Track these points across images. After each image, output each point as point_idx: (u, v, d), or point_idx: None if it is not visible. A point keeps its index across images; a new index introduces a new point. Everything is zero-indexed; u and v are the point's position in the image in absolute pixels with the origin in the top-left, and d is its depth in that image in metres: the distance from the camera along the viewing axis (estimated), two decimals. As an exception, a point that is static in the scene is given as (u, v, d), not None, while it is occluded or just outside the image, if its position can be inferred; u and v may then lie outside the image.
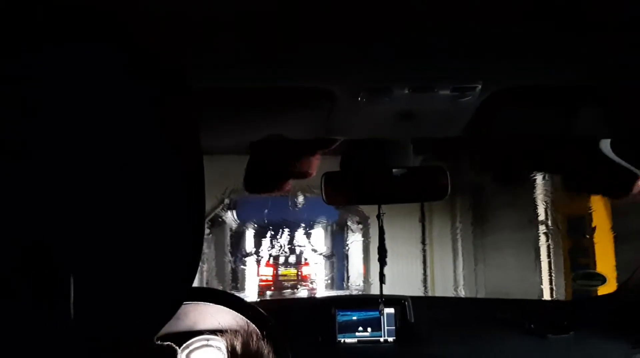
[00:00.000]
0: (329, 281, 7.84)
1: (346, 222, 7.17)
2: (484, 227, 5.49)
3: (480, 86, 0.67)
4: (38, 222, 0.36)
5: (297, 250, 7.75)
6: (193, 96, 0.49)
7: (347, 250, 7.43)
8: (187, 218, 0.44)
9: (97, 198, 0.39)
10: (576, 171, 1.08)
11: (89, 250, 0.38)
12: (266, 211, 6.49)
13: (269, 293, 7.43)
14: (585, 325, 1.37)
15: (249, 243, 7.55)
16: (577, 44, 0.58)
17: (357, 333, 1.42)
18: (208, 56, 0.58)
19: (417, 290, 5.64)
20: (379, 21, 0.51)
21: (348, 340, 1.41)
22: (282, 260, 7.71)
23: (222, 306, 1.06)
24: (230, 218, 6.64)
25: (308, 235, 7.70)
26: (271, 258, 7.61)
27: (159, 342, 0.97)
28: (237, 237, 7.28)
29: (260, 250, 7.42)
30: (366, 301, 1.50)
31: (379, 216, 1.18)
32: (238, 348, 1.05)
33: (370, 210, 4.94)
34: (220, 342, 1.09)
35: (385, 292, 1.25)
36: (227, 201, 5.63)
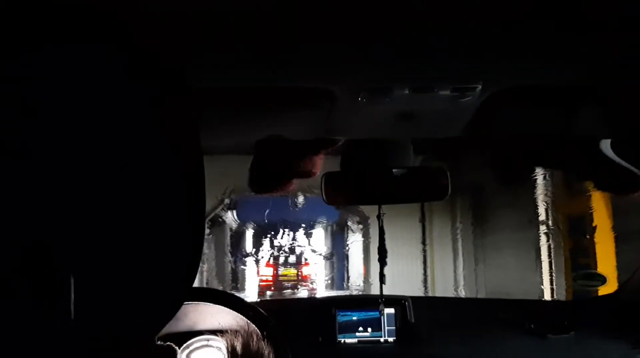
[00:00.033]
0: (329, 282, 7.84)
1: (346, 222, 7.16)
2: (484, 227, 5.49)
3: (480, 86, 0.67)
4: (38, 222, 0.36)
5: (297, 250, 7.75)
6: (193, 96, 0.49)
7: (347, 250, 7.43)
8: (187, 218, 0.44)
9: (97, 198, 0.39)
10: (578, 166, 1.07)
11: (89, 250, 0.38)
12: (266, 211, 6.49)
13: (269, 293, 7.43)
14: (585, 325, 1.37)
15: (249, 243, 7.55)
16: (577, 44, 0.58)
17: (357, 334, 1.42)
18: (208, 56, 0.58)
19: (417, 290, 5.63)
20: (379, 21, 0.51)
21: (348, 340, 1.41)
22: (282, 260, 7.71)
23: (222, 307, 1.06)
24: (230, 218, 6.64)
25: (308, 235, 7.70)
26: (271, 258, 7.61)
27: (159, 342, 0.97)
28: (237, 237, 7.28)
29: (260, 250, 7.42)
30: (366, 302, 1.50)
31: (379, 217, 1.18)
32: (238, 348, 1.05)
33: (371, 210, 4.93)
34: (220, 342, 1.09)
35: (385, 292, 1.25)
36: (227, 201, 5.63)
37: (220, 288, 5.64)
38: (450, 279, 5.79)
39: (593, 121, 0.85)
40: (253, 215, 6.96)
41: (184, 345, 1.10)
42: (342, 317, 1.43)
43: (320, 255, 7.92)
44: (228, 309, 1.06)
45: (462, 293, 5.60)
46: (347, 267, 7.58)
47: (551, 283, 3.89)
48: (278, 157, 1.00)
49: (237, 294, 1.16)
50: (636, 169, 0.96)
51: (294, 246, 7.66)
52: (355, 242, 6.90)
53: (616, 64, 0.64)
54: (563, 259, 3.83)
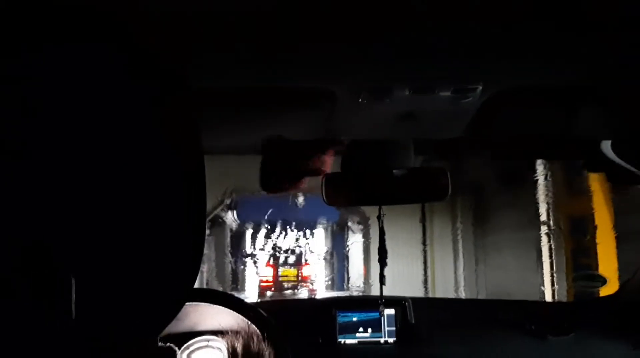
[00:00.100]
0: (330, 282, 7.84)
1: (347, 223, 7.16)
2: (485, 228, 5.48)
3: (480, 87, 0.67)
4: (38, 222, 0.36)
5: (298, 251, 7.75)
6: (193, 96, 0.49)
7: (348, 251, 7.43)
8: (188, 218, 0.44)
9: (97, 198, 0.39)
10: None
11: (89, 250, 0.38)
12: (266, 211, 6.49)
13: (269, 293, 7.43)
14: (586, 326, 1.37)
15: (249, 244, 7.55)
16: (577, 44, 0.58)
17: (357, 334, 1.42)
18: (208, 56, 0.58)
19: (417, 291, 5.63)
20: (379, 21, 0.51)
21: (348, 341, 1.41)
22: (282, 260, 7.71)
23: (222, 307, 1.06)
24: (231, 218, 6.64)
25: (308, 236, 7.70)
26: (271, 259, 7.62)
27: (160, 342, 0.97)
28: (238, 238, 7.28)
29: (260, 251, 7.42)
30: (366, 302, 1.50)
31: (379, 217, 1.18)
32: (239, 349, 1.05)
33: (371, 211, 4.93)
34: (220, 343, 1.09)
35: (385, 293, 1.25)
36: (227, 201, 5.63)
37: (221, 288, 5.64)
38: (451, 280, 5.79)
39: (593, 121, 0.85)
40: (253, 215, 6.96)
41: (185, 345, 1.10)
42: (342, 318, 1.43)
43: (320, 255, 7.91)
44: (228, 310, 1.06)
45: (463, 294, 5.60)
46: (348, 268, 7.58)
47: (552, 284, 3.89)
48: (287, 156, 1.00)
49: (237, 294, 1.16)
50: (636, 169, 0.96)
51: (294, 247, 7.66)
52: (355, 243, 6.90)
53: (616, 64, 0.64)
54: (564, 260, 3.82)
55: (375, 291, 5.33)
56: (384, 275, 1.19)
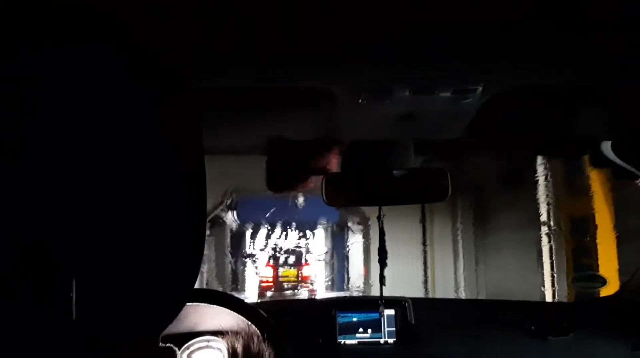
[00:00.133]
0: (330, 282, 7.83)
1: (347, 223, 7.16)
2: (485, 228, 5.48)
3: (480, 88, 0.67)
4: (38, 222, 0.36)
5: (298, 251, 7.74)
6: (193, 96, 0.49)
7: (348, 251, 7.42)
8: (188, 218, 0.44)
9: (97, 198, 0.39)
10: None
11: (89, 251, 0.38)
12: (266, 211, 6.49)
13: (269, 293, 7.42)
14: (585, 326, 1.37)
15: (249, 244, 7.54)
16: (577, 44, 0.58)
17: (357, 335, 1.42)
18: (208, 56, 0.58)
19: (417, 291, 5.62)
20: (379, 21, 0.51)
21: (348, 342, 1.41)
22: (282, 260, 7.70)
23: (223, 308, 1.06)
24: (231, 218, 6.64)
25: (308, 236, 7.70)
26: (271, 259, 7.61)
27: (160, 342, 0.97)
28: (238, 238, 7.28)
29: (260, 251, 7.42)
30: (366, 303, 1.50)
31: (379, 218, 1.18)
32: (239, 349, 1.04)
33: (371, 211, 4.93)
34: (221, 344, 1.09)
35: (385, 293, 1.25)
36: (227, 201, 5.63)
37: (221, 289, 5.64)
38: (451, 280, 5.78)
39: (593, 121, 0.85)
40: (253, 216, 6.96)
41: (185, 345, 1.10)
42: (342, 318, 1.43)
43: (320, 255, 7.91)
44: (229, 310, 1.06)
45: (463, 294, 5.59)
46: (348, 268, 7.58)
47: (552, 285, 3.88)
48: (292, 155, 1.00)
49: (237, 295, 1.16)
50: (636, 169, 0.96)
51: (294, 247, 7.66)
52: (355, 243, 6.90)
53: (616, 64, 0.64)
54: (565, 260, 3.82)
55: (375, 291, 5.33)
56: (384, 275, 1.19)
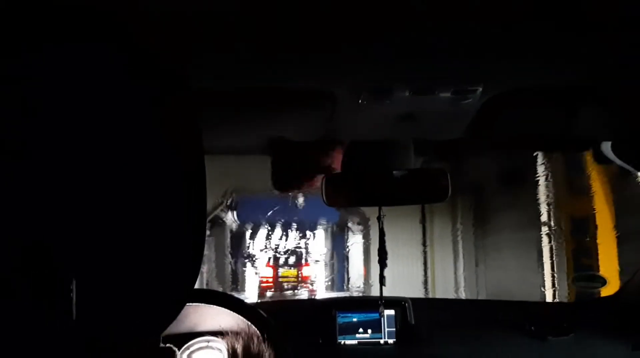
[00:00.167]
0: (330, 283, 7.82)
1: (347, 223, 7.16)
2: (485, 228, 5.48)
3: (480, 89, 0.67)
4: (38, 222, 0.36)
5: (298, 251, 7.74)
6: (193, 96, 0.49)
7: (348, 252, 7.42)
8: (188, 218, 0.44)
9: (97, 198, 0.39)
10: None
11: (89, 251, 0.38)
12: (266, 212, 6.49)
13: (269, 294, 7.42)
14: (586, 326, 1.37)
15: (249, 244, 7.54)
16: (577, 44, 0.58)
17: (357, 335, 1.42)
18: (208, 56, 0.58)
19: (417, 292, 5.62)
20: (379, 21, 0.51)
21: (348, 342, 1.41)
22: (282, 260, 7.70)
23: (223, 308, 1.06)
24: (231, 218, 6.64)
25: (308, 236, 7.70)
26: (271, 259, 7.61)
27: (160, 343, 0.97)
28: (237, 238, 7.27)
29: (260, 251, 7.41)
30: (366, 303, 1.50)
31: (379, 218, 1.18)
32: (239, 350, 1.04)
33: (371, 211, 4.93)
34: (221, 344, 1.09)
35: (385, 294, 1.25)
36: (227, 201, 5.62)
37: (221, 289, 5.64)
38: (451, 280, 5.78)
39: (593, 121, 0.85)
40: (253, 216, 6.95)
41: (185, 346, 1.10)
42: (342, 318, 1.43)
43: (320, 256, 7.91)
44: (229, 311, 1.06)
45: (463, 295, 5.59)
46: (348, 268, 7.57)
47: (553, 285, 3.88)
48: (297, 154, 1.00)
49: (237, 295, 1.16)
50: (636, 169, 0.96)
51: (294, 247, 7.66)
52: (355, 243, 6.90)
53: (616, 64, 0.64)
54: (565, 260, 3.81)
55: (375, 292, 5.33)
56: (384, 275, 1.19)
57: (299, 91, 0.72)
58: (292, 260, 7.74)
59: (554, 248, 3.94)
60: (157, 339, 0.85)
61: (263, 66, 0.61)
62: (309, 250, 7.77)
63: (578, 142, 1.01)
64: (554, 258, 3.93)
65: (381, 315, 1.41)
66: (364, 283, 6.55)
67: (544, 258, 4.03)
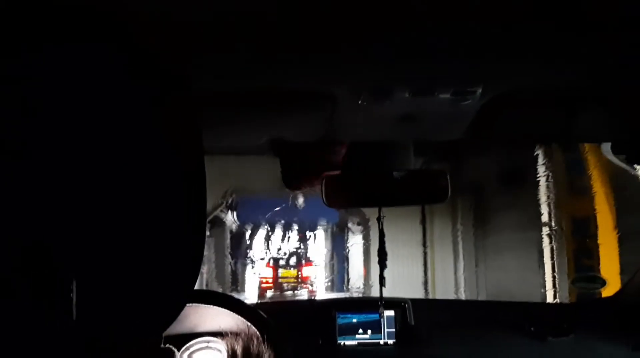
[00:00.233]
0: (329, 283, 7.82)
1: (346, 224, 7.16)
2: (485, 229, 5.47)
3: (480, 90, 0.67)
4: (38, 222, 0.36)
5: (298, 252, 7.74)
6: (193, 96, 0.49)
7: (348, 252, 7.41)
8: (188, 218, 0.44)
9: (97, 198, 0.39)
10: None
11: (89, 251, 0.38)
12: (266, 212, 6.49)
13: (269, 294, 7.41)
14: (586, 327, 1.37)
15: (249, 245, 7.54)
16: (577, 44, 0.58)
17: (357, 336, 1.41)
18: (208, 57, 0.58)
19: (417, 292, 5.62)
20: (379, 21, 0.51)
21: (348, 343, 1.41)
22: (282, 261, 7.69)
23: (222, 309, 1.06)
24: (230, 219, 6.63)
25: (308, 237, 7.69)
26: (271, 260, 7.61)
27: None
28: (237, 238, 7.27)
29: (260, 252, 7.41)
30: (366, 304, 1.50)
31: (379, 219, 1.18)
32: (238, 350, 1.04)
33: (371, 212, 4.92)
34: (220, 345, 1.09)
35: (385, 294, 1.25)
36: (227, 201, 5.62)
37: (220, 289, 5.63)
38: (451, 281, 5.78)
39: (593, 121, 0.85)
40: (253, 216, 6.95)
41: (184, 346, 1.10)
42: (342, 319, 1.43)
43: (320, 256, 7.90)
44: (229, 311, 1.06)
45: (463, 295, 5.59)
46: (347, 269, 7.57)
47: (553, 286, 3.88)
48: (304, 151, 1.00)
49: (237, 296, 1.16)
50: (636, 169, 0.96)
51: (294, 248, 7.65)
52: (355, 244, 6.89)
53: (616, 64, 0.64)
54: (565, 261, 3.81)
55: (375, 292, 5.32)
56: (384, 276, 1.19)
57: (299, 91, 0.72)
58: (292, 260, 7.74)
59: (554, 248, 3.94)
60: (158, 339, 0.85)
61: (263, 66, 0.61)
62: (308, 251, 7.77)
63: (578, 142, 1.01)
64: (554, 259, 3.92)
65: (381, 316, 1.41)
66: (364, 284, 6.55)
67: (544, 259, 4.03)
